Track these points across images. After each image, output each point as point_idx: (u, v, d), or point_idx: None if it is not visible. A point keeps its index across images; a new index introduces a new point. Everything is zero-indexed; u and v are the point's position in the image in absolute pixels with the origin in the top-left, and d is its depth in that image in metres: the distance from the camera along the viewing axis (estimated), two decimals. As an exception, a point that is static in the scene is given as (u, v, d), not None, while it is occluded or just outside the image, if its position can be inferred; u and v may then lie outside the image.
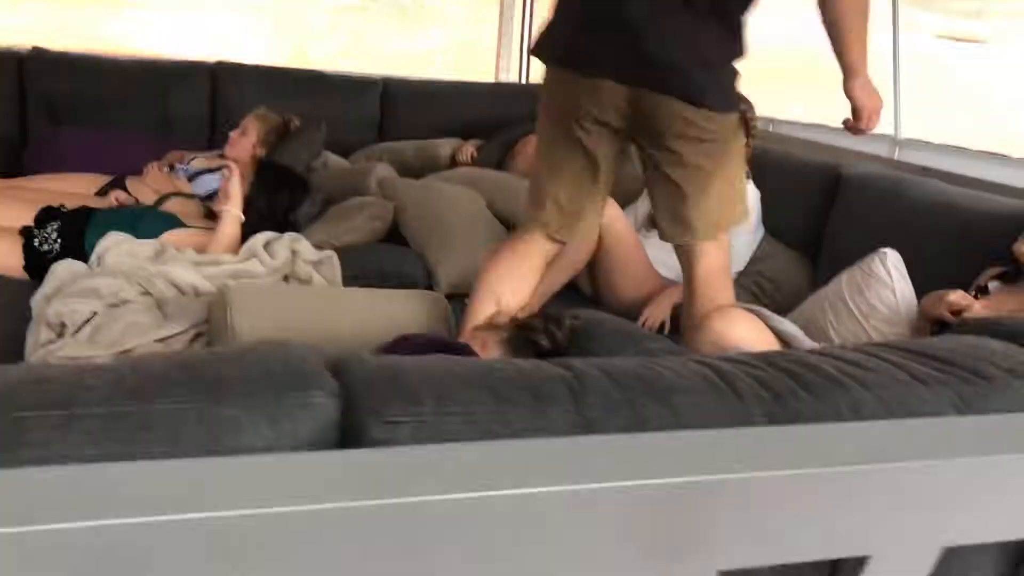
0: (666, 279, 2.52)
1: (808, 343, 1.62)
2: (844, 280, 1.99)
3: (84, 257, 2.43)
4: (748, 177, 2.62)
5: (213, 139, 3.75)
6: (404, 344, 1.40)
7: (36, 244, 2.47)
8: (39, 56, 3.61)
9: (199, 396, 0.71)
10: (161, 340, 1.79)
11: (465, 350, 1.39)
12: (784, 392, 0.77)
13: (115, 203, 2.76)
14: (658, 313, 2.39)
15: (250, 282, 1.97)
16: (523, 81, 4.80)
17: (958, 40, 18.08)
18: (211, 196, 3.06)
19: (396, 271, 2.34)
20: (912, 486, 0.45)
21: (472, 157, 3.43)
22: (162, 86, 3.69)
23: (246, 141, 3.23)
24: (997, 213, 2.04)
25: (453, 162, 3.45)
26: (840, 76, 1.76)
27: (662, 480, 0.45)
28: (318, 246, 2.31)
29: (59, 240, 2.47)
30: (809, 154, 2.77)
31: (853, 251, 2.22)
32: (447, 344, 1.41)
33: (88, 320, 1.78)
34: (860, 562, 0.48)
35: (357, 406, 0.70)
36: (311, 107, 3.56)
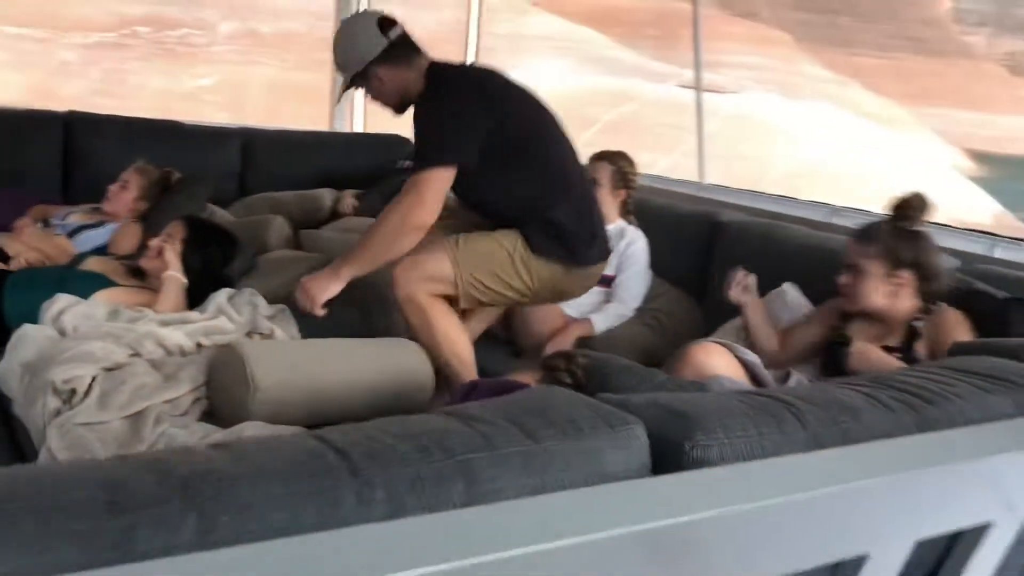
0: (569, 317, 2.82)
1: (764, 370, 1.96)
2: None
3: (4, 319, 2.34)
4: (634, 224, 2.97)
5: (68, 192, 3.62)
6: (482, 388, 1.56)
7: (-53, 309, 2.34)
8: None
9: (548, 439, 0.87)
10: (168, 401, 1.82)
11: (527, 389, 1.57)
12: (916, 404, 1.04)
13: (24, 264, 2.65)
14: (564, 344, 2.67)
15: (255, 339, 2.03)
16: (361, 130, 4.94)
17: (694, 89, 20.04)
18: (98, 251, 3.00)
19: (343, 321, 2.44)
20: None
21: (354, 208, 3.55)
22: (12, 137, 3.51)
23: (127, 195, 3.17)
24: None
25: (333, 212, 3.54)
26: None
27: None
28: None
29: (-23, 302, 2.36)
30: (678, 203, 3.18)
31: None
32: (514, 385, 1.58)
33: (90, 385, 1.78)
34: None
35: (667, 437, 0.89)
36: (170, 158, 3.53)
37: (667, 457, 0.88)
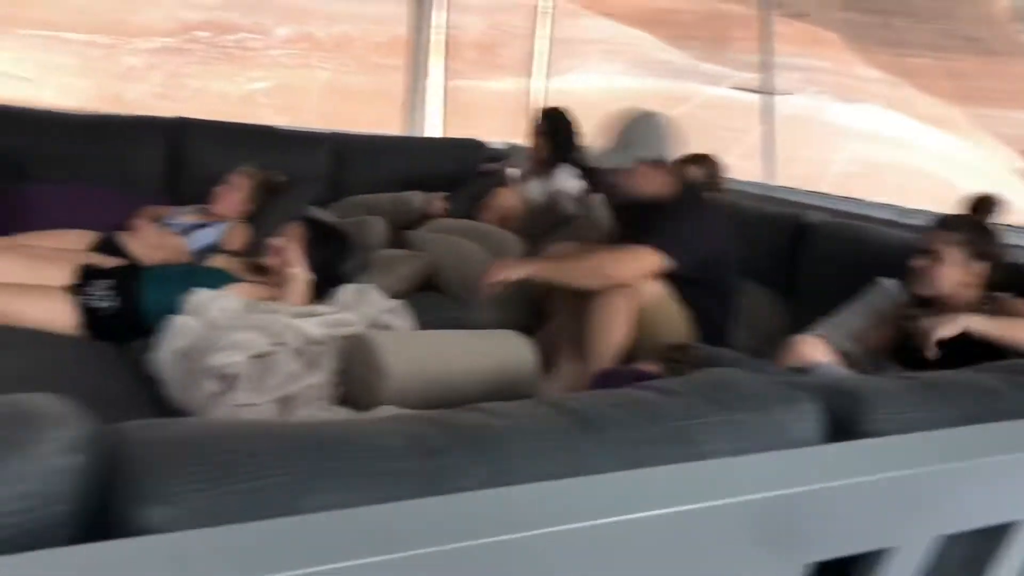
0: None
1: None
2: (858, 307, 2.45)
3: (141, 312, 2.53)
4: None
5: (173, 193, 3.81)
6: (615, 376, 1.69)
7: (88, 303, 2.53)
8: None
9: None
10: (311, 386, 1.98)
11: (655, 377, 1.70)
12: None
13: (161, 261, 2.84)
14: None
15: (382, 331, 2.19)
16: (441, 135, 5.12)
17: (751, 91, 20.04)
18: (209, 250, 3.18)
19: (449, 316, 2.60)
20: None
21: (444, 210, 3.70)
22: (121, 141, 3.73)
23: (234, 197, 3.35)
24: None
25: (423, 214, 3.70)
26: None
27: None
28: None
29: (118, 296, 2.54)
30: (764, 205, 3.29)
31: (822, 287, 2.73)
32: (644, 373, 1.71)
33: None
34: None
35: (842, 414, 1.01)
36: (266, 161, 3.71)
37: (841, 430, 1.00)
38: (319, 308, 2.29)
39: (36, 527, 0.62)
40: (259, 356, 2.00)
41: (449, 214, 3.66)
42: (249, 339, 2.00)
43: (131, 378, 2.25)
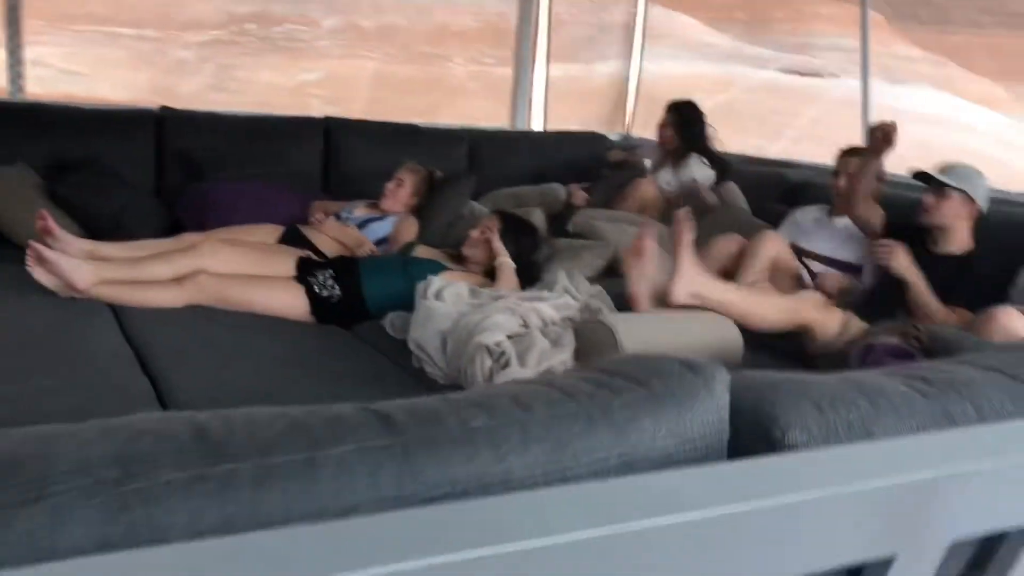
0: None
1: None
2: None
3: (363, 298, 2.80)
4: None
5: (328, 188, 4.09)
6: (879, 350, 1.93)
7: (316, 291, 2.80)
8: (173, 115, 3.84)
9: None
10: (563, 361, 2.24)
11: (911, 354, 1.94)
12: None
13: (371, 252, 3.12)
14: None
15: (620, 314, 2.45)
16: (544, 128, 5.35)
17: (802, 75, 20.13)
18: (382, 241, 3.45)
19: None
20: None
21: (585, 200, 3.95)
22: (279, 140, 4.00)
23: (402, 192, 3.61)
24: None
25: (567, 204, 3.95)
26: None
27: None
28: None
29: (336, 286, 2.81)
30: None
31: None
32: (904, 350, 1.95)
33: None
34: None
35: None
36: (410, 157, 3.98)
37: None
38: (544, 294, 2.54)
39: (712, 448, 0.87)
40: (513, 336, 2.26)
41: (591, 204, 3.90)
42: (505, 321, 2.26)
43: (378, 355, 2.53)
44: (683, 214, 2.58)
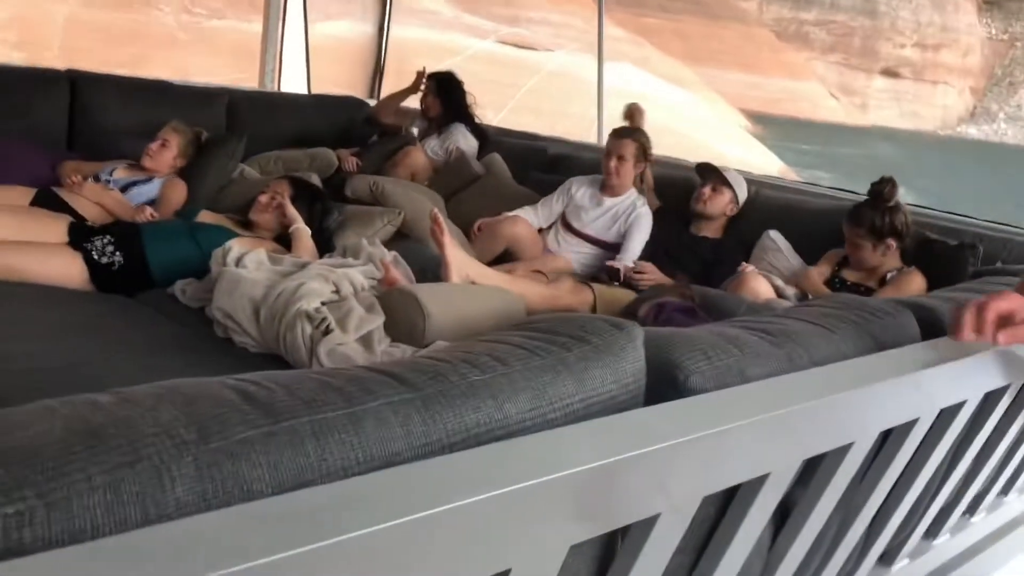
0: None
1: (790, 293, 2.73)
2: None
3: (147, 265, 2.70)
4: (644, 195, 3.54)
5: (72, 146, 3.81)
6: (668, 307, 2.19)
7: (96, 258, 2.66)
8: None
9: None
10: (378, 327, 2.33)
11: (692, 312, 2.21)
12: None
13: (151, 218, 2.96)
14: None
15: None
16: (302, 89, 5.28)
17: (519, 47, 20.91)
18: (148, 204, 3.31)
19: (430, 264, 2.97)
20: None
21: (356, 165, 3.99)
22: (18, 93, 3.67)
23: (167, 153, 3.47)
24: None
25: (338, 170, 3.97)
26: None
27: None
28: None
29: (117, 252, 2.69)
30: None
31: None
32: (687, 307, 2.22)
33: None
34: None
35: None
36: (165, 115, 3.82)
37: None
38: (349, 261, 2.59)
39: (629, 400, 1.04)
40: (327, 303, 2.31)
41: (361, 170, 3.95)
42: (320, 287, 2.31)
43: (173, 323, 2.47)
44: (435, 213, 2.75)
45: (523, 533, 0.79)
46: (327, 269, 2.41)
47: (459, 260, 2.68)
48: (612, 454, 0.83)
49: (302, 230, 2.81)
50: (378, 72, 5.40)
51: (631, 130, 3.48)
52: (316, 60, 5.62)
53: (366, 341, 2.24)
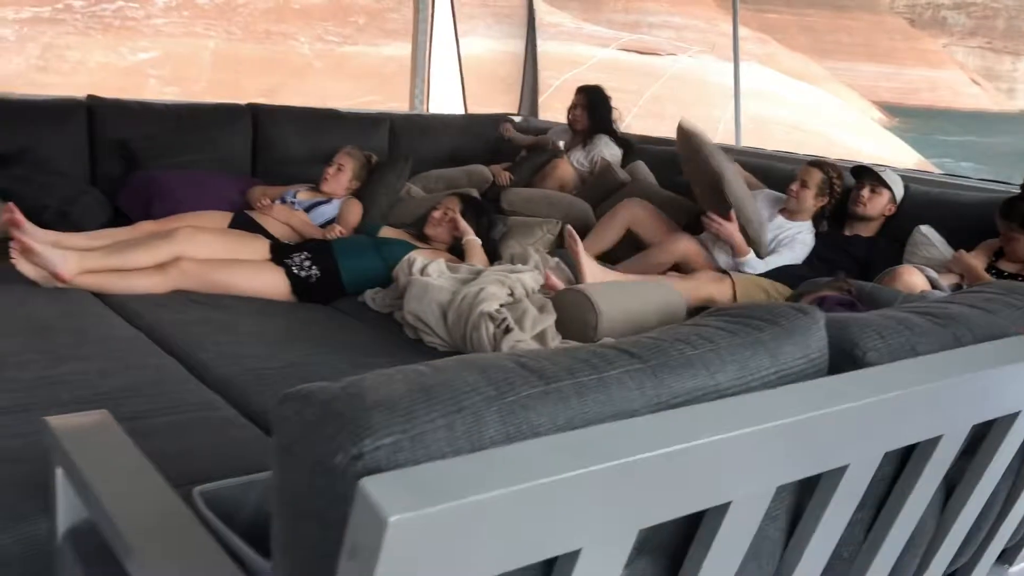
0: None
1: (945, 284, 2.81)
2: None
3: (340, 277, 3.01)
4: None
5: (255, 172, 4.22)
6: (830, 300, 2.34)
7: (295, 272, 2.99)
8: (101, 104, 3.86)
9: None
10: (551, 325, 2.56)
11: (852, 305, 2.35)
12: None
13: (340, 234, 3.30)
14: None
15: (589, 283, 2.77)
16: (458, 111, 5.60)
17: (641, 53, 21.01)
18: (328, 223, 3.65)
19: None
20: None
21: (509, 179, 4.25)
22: (208, 127, 4.09)
23: (343, 176, 3.81)
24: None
25: (492, 184, 4.24)
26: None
27: None
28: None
29: (314, 266, 3.01)
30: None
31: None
32: (846, 300, 2.36)
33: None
34: None
35: None
36: (335, 141, 4.18)
37: None
38: (519, 267, 2.84)
39: (816, 373, 1.22)
40: (504, 304, 2.56)
41: (513, 184, 4.21)
42: (496, 291, 2.56)
43: (370, 327, 2.76)
44: (569, 227, 2.95)
45: (741, 472, 0.98)
46: (503, 275, 2.66)
47: (592, 269, 2.90)
48: (809, 410, 1.01)
49: (474, 241, 3.08)
50: (525, 87, 5.65)
51: (824, 162, 3.49)
52: (453, 79, 5.93)
53: (540, 338, 2.48)
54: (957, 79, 35.20)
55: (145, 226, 3.30)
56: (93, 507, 1.37)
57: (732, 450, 0.96)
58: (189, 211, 3.51)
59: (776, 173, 3.76)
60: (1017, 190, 3.00)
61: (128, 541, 1.24)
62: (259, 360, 2.34)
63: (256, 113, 4.21)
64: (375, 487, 0.73)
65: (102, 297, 2.80)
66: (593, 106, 4.39)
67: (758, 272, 3.23)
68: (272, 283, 2.94)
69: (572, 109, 4.45)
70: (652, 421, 0.96)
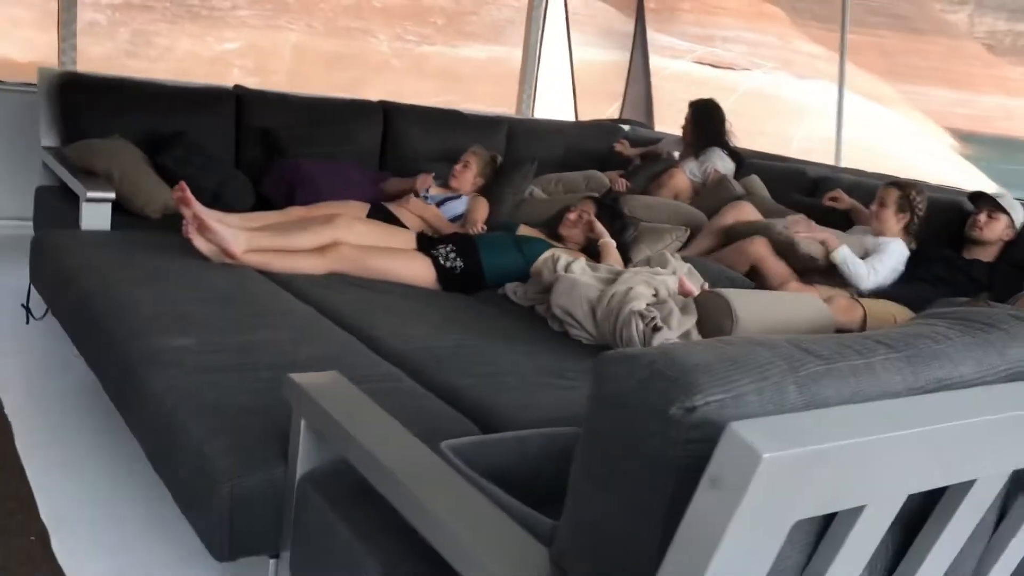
0: None
1: None
2: None
3: (482, 270, 3.19)
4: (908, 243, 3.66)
5: (383, 166, 4.43)
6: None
7: (442, 262, 3.18)
8: (248, 94, 4.10)
9: None
10: (693, 325, 2.71)
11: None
12: None
13: (483, 229, 3.49)
14: None
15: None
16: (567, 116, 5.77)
17: (715, 67, 21.02)
18: (456, 219, 3.83)
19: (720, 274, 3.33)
20: None
21: (626, 186, 4.41)
22: (343, 121, 4.32)
23: (469, 174, 4.00)
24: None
25: (609, 190, 4.40)
26: None
27: None
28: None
29: (458, 258, 3.20)
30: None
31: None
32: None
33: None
34: None
35: None
36: (457, 140, 4.38)
37: None
38: (658, 270, 2.99)
39: None
40: (650, 304, 2.71)
41: (630, 191, 4.37)
42: (644, 291, 2.71)
43: (516, 318, 2.94)
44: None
45: (987, 453, 1.13)
46: (648, 276, 2.81)
47: None
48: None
49: (610, 243, 3.24)
50: (633, 96, 5.80)
51: (899, 181, 3.64)
52: (552, 86, 6.10)
53: (685, 338, 2.62)
54: (1033, 108, 34.33)
55: (295, 211, 3.51)
56: (351, 449, 1.54)
57: (982, 432, 1.11)
58: (330, 199, 3.71)
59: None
60: None
61: (398, 476, 1.42)
62: (427, 340, 2.52)
63: (387, 110, 4.42)
64: (744, 430, 0.90)
65: (267, 275, 3.00)
66: (704, 118, 4.53)
67: (865, 287, 3.35)
68: (422, 272, 3.13)
69: (685, 123, 4.60)
70: (934, 399, 1.12)
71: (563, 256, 2.98)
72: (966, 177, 17.53)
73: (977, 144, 23.69)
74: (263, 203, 3.80)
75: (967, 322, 1.37)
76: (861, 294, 3.31)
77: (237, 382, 2.02)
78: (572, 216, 3.38)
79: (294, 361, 2.22)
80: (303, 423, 1.70)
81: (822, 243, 3.41)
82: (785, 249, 3.41)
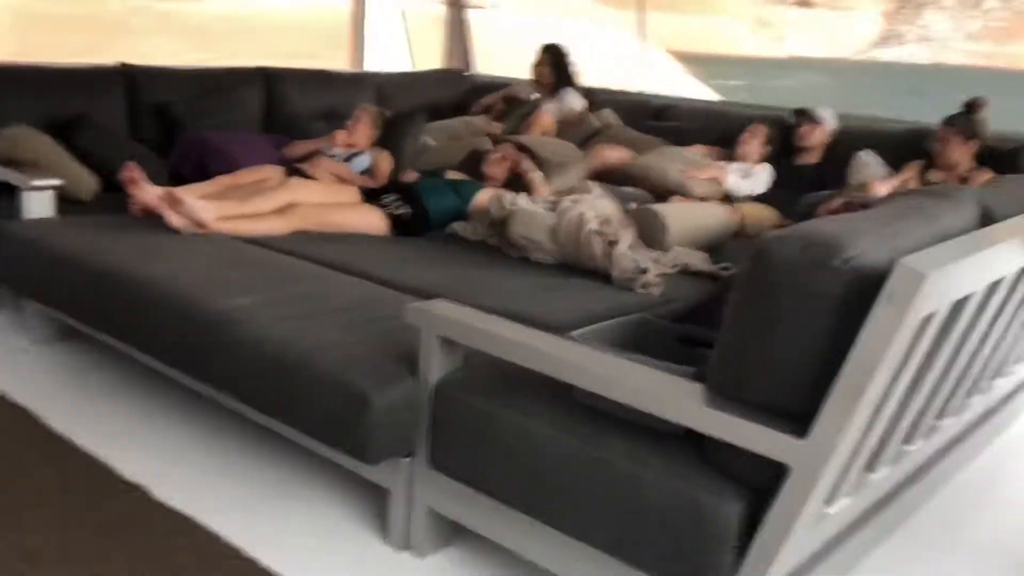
0: None
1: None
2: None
3: (427, 214, 3.57)
4: None
5: (268, 129, 4.61)
6: (855, 203, 3.16)
7: (391, 211, 3.53)
8: (138, 71, 4.14)
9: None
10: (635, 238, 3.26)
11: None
12: None
13: (417, 177, 3.82)
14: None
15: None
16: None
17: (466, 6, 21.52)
18: (365, 172, 4.16)
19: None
20: None
21: (500, 130, 4.86)
22: (226, 90, 4.45)
23: (364, 128, 4.29)
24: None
25: (486, 134, 4.82)
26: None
27: None
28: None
29: (404, 206, 3.55)
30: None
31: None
32: (863, 206, 3.19)
33: (601, 232, 3.18)
34: None
35: None
36: (333, 100, 4.67)
37: None
38: (586, 196, 3.50)
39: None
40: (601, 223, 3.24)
41: (503, 133, 4.82)
42: (591, 215, 3.23)
43: (474, 252, 3.36)
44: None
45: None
46: (591, 201, 3.33)
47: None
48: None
49: (539, 176, 3.72)
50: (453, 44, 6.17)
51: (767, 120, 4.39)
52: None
53: (636, 249, 3.18)
54: (735, 28, 37.95)
55: (224, 180, 3.66)
56: (497, 345, 1.93)
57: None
58: (245, 167, 3.89)
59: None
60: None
61: (551, 353, 1.85)
62: (428, 278, 2.86)
63: (268, 75, 4.59)
64: (911, 262, 1.44)
65: (244, 239, 3.20)
66: (558, 62, 5.06)
67: (744, 193, 4.08)
68: (376, 221, 3.46)
69: (538, 66, 5.10)
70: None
71: (507, 194, 3.43)
72: (696, 94, 19.36)
73: (694, 64, 25.96)
74: (176, 179, 3.91)
75: (931, 196, 2.01)
76: (736, 200, 4.02)
77: (321, 325, 2.31)
78: (495, 157, 3.82)
79: (349, 304, 2.51)
80: (435, 340, 2.06)
81: (713, 179, 4.07)
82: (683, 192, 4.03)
